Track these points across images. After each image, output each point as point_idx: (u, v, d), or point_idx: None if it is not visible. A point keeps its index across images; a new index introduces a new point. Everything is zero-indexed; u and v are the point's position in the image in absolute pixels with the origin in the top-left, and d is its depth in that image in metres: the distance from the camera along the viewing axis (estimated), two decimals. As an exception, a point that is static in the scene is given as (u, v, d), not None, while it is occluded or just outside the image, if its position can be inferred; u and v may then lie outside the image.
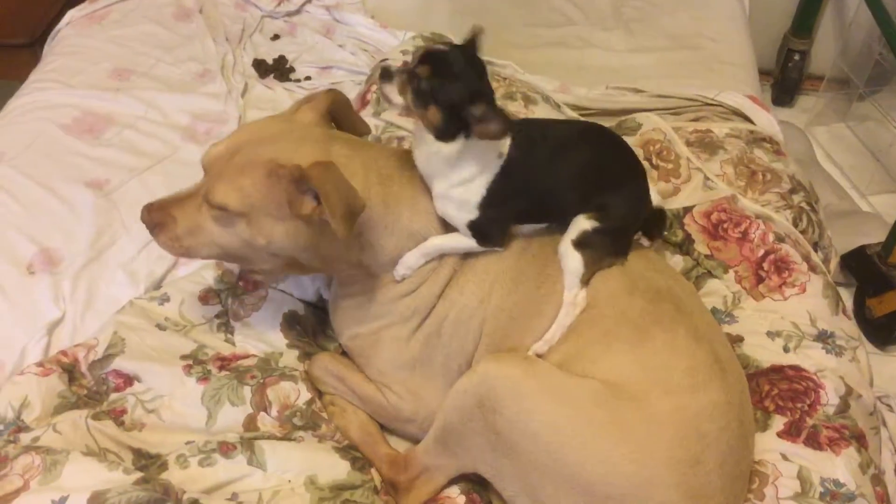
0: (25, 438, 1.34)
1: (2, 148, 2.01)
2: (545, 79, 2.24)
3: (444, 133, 1.26)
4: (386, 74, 1.26)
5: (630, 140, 1.89)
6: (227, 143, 1.39)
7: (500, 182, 1.32)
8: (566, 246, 1.37)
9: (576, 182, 1.37)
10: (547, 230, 1.44)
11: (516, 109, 1.96)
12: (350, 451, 1.46)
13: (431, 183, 1.37)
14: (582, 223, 1.37)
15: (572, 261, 1.36)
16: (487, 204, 1.33)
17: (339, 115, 1.50)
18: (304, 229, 1.35)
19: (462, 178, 1.32)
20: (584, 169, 1.38)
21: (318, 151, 1.34)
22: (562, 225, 1.41)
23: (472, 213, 1.34)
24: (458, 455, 1.36)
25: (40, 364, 1.48)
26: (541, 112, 1.98)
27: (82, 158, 1.99)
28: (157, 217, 1.41)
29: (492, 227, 1.38)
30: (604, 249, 1.39)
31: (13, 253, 1.74)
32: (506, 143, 1.32)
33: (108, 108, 2.15)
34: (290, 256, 1.41)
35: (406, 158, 1.43)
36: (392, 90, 1.26)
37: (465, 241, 1.39)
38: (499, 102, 1.93)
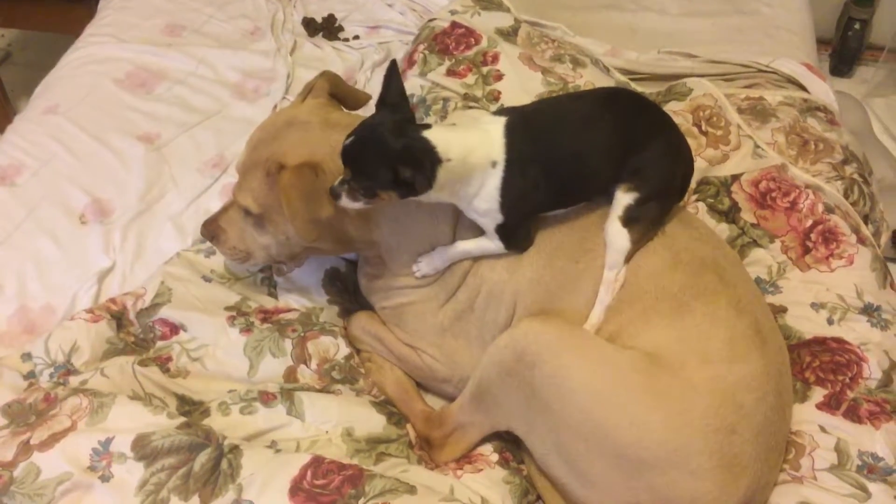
0: (74, 381, 1.39)
1: (57, 100, 2.06)
2: (595, 42, 2.21)
3: (411, 194, 1.27)
4: (335, 194, 1.29)
5: (680, 105, 1.86)
6: (247, 146, 1.46)
7: (512, 183, 1.31)
8: (613, 225, 1.35)
9: (596, 156, 1.34)
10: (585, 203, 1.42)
11: (564, 72, 1.94)
12: (386, 406, 1.48)
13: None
14: (622, 198, 1.34)
15: (619, 239, 1.34)
16: (509, 206, 1.33)
17: (338, 92, 1.52)
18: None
19: (470, 194, 1.32)
20: (600, 139, 1.34)
21: (311, 146, 1.37)
22: (600, 198, 1.39)
23: (498, 218, 1.34)
24: (492, 412, 1.37)
25: (90, 310, 1.52)
26: (589, 76, 1.95)
27: (134, 112, 2.03)
28: (211, 229, 1.52)
29: (519, 228, 1.38)
30: (650, 221, 1.37)
31: (66, 202, 1.79)
32: (493, 150, 1.30)
33: (160, 63, 2.18)
34: (309, 246, 1.47)
35: None
36: (348, 202, 1.29)
37: (492, 246, 1.39)
38: (546, 65, 1.93)
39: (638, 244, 1.36)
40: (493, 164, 1.30)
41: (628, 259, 1.36)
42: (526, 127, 1.33)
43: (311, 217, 1.31)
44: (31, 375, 1.43)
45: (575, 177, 1.35)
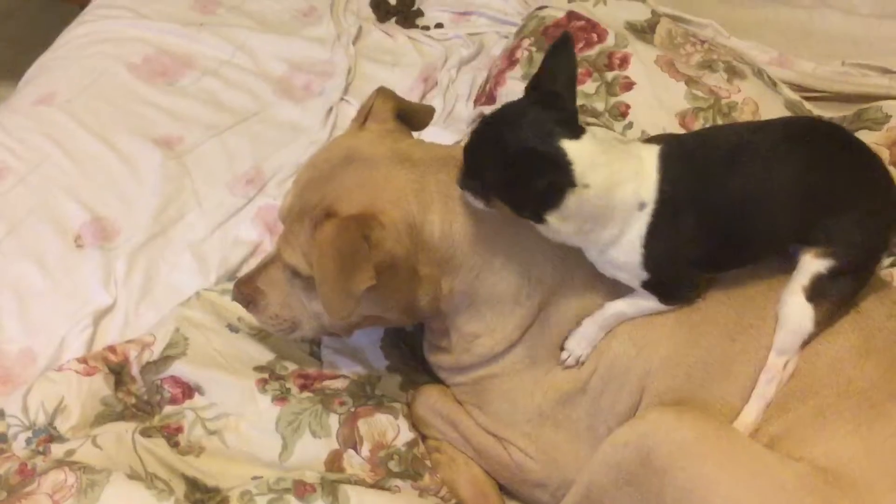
0: (58, 450, 1.43)
1: (53, 87, 2.14)
2: (758, 46, 2.23)
3: (531, 215, 1.29)
4: (460, 185, 1.35)
5: (872, 136, 1.85)
6: (294, 186, 1.49)
7: (661, 233, 1.32)
8: (795, 298, 1.35)
9: (777, 207, 1.34)
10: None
11: (716, 84, 1.95)
12: (458, 513, 1.49)
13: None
14: (811, 264, 1.34)
15: (800, 317, 1.34)
16: (655, 262, 1.34)
17: (400, 111, 1.55)
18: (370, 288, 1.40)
19: (604, 240, 1.33)
20: (785, 185, 1.33)
21: (373, 189, 1.40)
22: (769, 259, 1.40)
23: (642, 275, 1.36)
24: (602, 530, 1.36)
25: (83, 360, 1.56)
26: (749, 90, 1.96)
27: (151, 108, 2.10)
28: (247, 292, 1.55)
29: (674, 284, 1.39)
30: (842, 298, 1.37)
31: (59, 220, 1.85)
32: (644, 187, 1.31)
33: (186, 47, 2.26)
34: (371, 314, 1.50)
35: None
36: (472, 199, 1.34)
37: (650, 303, 1.40)
38: (693, 73, 1.95)
39: (821, 326, 1.35)
40: (641, 206, 1.31)
41: (806, 344, 1.35)
42: (686, 161, 1.34)
43: (343, 287, 1.32)
44: (2, 439, 1.47)
45: (745, 231, 1.35)
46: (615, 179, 1.28)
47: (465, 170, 1.31)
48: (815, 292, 1.33)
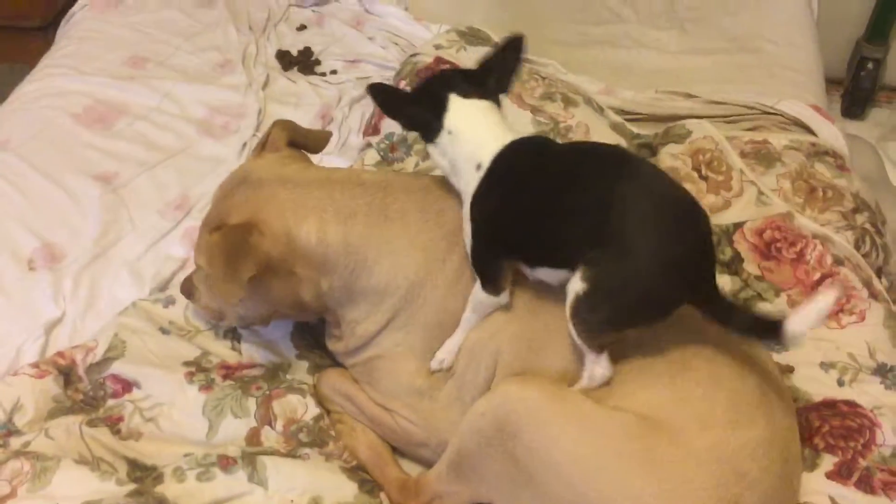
0: (15, 443, 1.38)
1: (7, 135, 2.07)
2: (589, 80, 2.26)
3: (423, 139, 1.39)
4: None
5: (678, 148, 1.89)
6: (211, 203, 1.53)
7: (481, 201, 1.30)
8: (566, 311, 1.26)
9: (565, 219, 1.23)
10: None
11: (555, 112, 1.97)
12: (358, 473, 1.47)
13: None
14: (574, 285, 1.23)
15: (574, 335, 1.27)
16: (475, 229, 1.32)
17: (297, 138, 1.59)
18: (257, 284, 1.41)
19: (463, 188, 1.34)
20: (577, 203, 1.22)
21: (256, 204, 1.42)
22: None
23: (468, 240, 1.34)
24: (472, 482, 1.36)
25: (35, 365, 1.52)
26: (581, 115, 1.98)
27: (91, 150, 2.05)
28: (186, 287, 1.59)
29: (483, 261, 1.34)
30: (604, 325, 1.25)
31: (14, 247, 1.80)
32: (483, 151, 1.30)
33: (121, 97, 2.21)
34: (271, 309, 1.52)
35: (386, 187, 1.47)
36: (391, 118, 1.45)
37: (480, 295, 1.36)
38: (536, 103, 1.97)
39: (595, 342, 1.27)
40: (478, 167, 1.31)
41: (602, 349, 1.30)
42: (522, 151, 1.31)
43: (230, 277, 1.36)
44: (-32, 437, 1.42)
45: (536, 234, 1.28)
46: (472, 139, 1.32)
47: (410, 95, 1.44)
48: (574, 312, 1.24)
